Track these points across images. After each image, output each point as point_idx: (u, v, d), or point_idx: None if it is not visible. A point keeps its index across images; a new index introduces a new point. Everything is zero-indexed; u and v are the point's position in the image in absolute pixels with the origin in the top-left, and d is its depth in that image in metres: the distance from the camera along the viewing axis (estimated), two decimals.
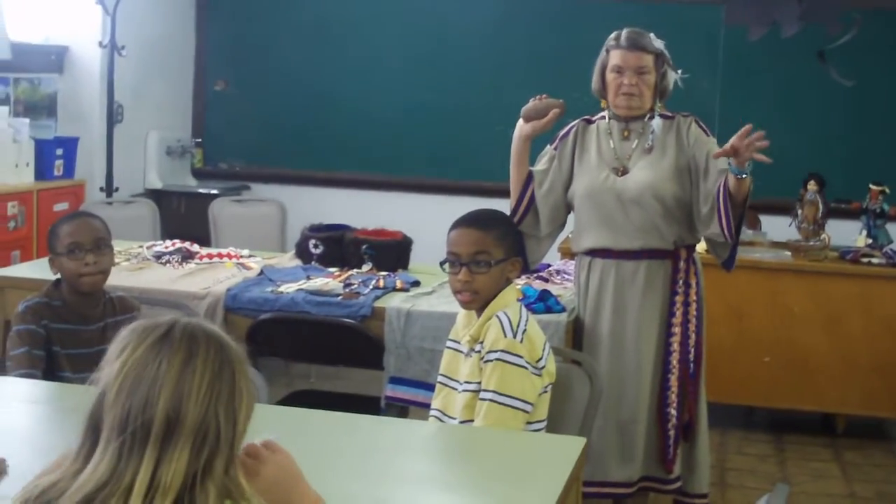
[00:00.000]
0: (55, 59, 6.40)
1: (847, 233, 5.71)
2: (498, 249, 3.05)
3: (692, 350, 3.86)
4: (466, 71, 7.00)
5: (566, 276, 4.61)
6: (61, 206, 5.91)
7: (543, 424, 3.02)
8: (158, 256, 4.76)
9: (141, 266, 4.62)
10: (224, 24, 7.40)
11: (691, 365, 3.86)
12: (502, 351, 2.92)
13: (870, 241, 5.54)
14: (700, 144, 3.81)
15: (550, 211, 3.92)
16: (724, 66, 6.65)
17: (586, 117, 3.98)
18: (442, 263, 3.11)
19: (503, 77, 6.92)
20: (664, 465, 3.87)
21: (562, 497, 2.32)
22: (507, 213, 3.97)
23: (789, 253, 5.48)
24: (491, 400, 2.91)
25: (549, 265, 4.70)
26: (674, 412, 3.84)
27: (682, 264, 3.84)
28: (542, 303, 4.10)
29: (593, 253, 3.90)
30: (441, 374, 3.13)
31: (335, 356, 4.41)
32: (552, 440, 2.84)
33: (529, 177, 3.93)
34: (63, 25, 6.40)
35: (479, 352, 2.98)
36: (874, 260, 5.35)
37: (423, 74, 7.07)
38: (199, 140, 7.44)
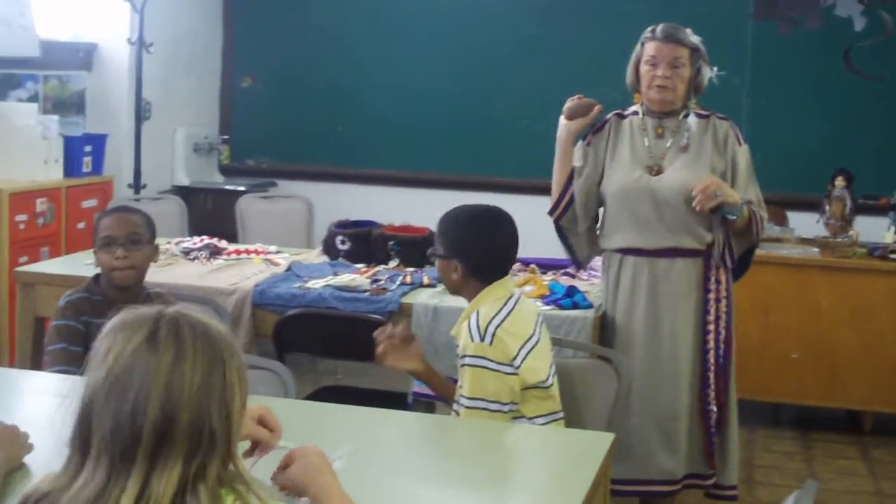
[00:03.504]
0: (84, 56, 6.43)
1: (875, 229, 5.68)
2: (440, 246, 3.11)
3: (723, 346, 3.88)
4: (493, 67, 6.99)
5: (593, 273, 4.60)
6: (90, 203, 5.94)
7: (552, 418, 3.00)
8: (186, 252, 4.78)
9: (169, 262, 4.65)
10: (251, 20, 7.42)
11: (722, 359, 3.87)
12: (471, 356, 2.93)
13: None
14: (734, 154, 3.84)
15: (584, 204, 3.94)
16: (753, 61, 6.61)
17: (618, 112, 3.98)
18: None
19: (526, 72, 6.90)
20: (709, 459, 3.88)
21: (590, 493, 2.32)
22: (548, 208, 4.02)
23: (817, 249, 5.46)
24: (466, 406, 2.92)
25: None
26: (714, 408, 3.86)
27: (713, 261, 3.84)
28: (570, 298, 4.10)
29: (625, 251, 3.89)
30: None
31: (362, 352, 4.39)
32: (580, 436, 2.84)
33: (572, 173, 3.94)
34: (91, 23, 6.43)
35: (458, 354, 3.00)
36: None
37: (449, 70, 7.07)
38: (227, 137, 7.47)
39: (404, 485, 2.32)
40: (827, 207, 5.50)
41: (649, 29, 3.87)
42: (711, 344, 3.85)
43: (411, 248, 4.64)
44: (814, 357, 5.36)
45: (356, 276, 4.40)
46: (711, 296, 3.84)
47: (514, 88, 6.96)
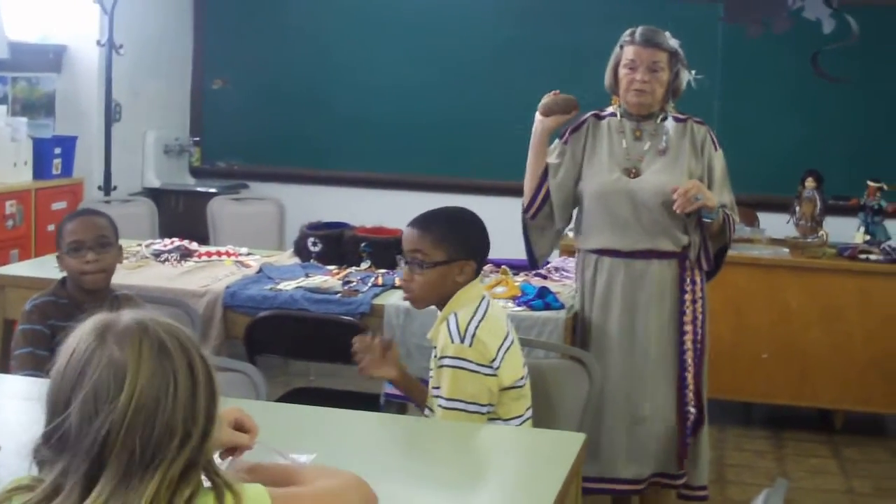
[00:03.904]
0: (53, 57, 6.40)
1: (845, 229, 5.72)
2: (436, 251, 2.95)
3: (699, 345, 3.90)
4: (464, 68, 7.00)
5: (565, 274, 4.62)
6: (59, 205, 5.91)
7: (524, 418, 3.00)
8: (157, 255, 4.76)
9: (140, 264, 4.63)
10: (222, 22, 7.40)
11: (697, 361, 3.89)
12: (450, 357, 2.90)
13: (868, 237, 5.55)
14: (710, 158, 3.87)
15: (562, 204, 3.94)
16: (723, 64, 6.65)
17: (595, 112, 3.98)
18: (400, 259, 3.11)
19: (501, 74, 6.92)
20: (680, 461, 3.89)
21: (561, 493, 2.32)
22: (522, 206, 4.00)
23: (787, 250, 5.49)
24: (444, 407, 2.91)
25: (547, 262, 4.69)
26: (692, 409, 3.87)
27: (688, 263, 3.86)
28: (541, 300, 4.10)
29: (601, 252, 3.90)
30: (431, 370, 3.12)
31: (334, 354, 4.40)
32: (552, 436, 2.84)
33: (546, 170, 3.94)
34: (61, 24, 6.40)
35: (435, 356, 2.98)
36: (872, 256, 5.35)
37: (420, 72, 7.07)
38: (198, 139, 7.44)
39: (376, 486, 2.31)
40: (797, 208, 5.54)
41: (628, 32, 3.87)
42: (689, 345, 3.86)
43: (383, 249, 4.63)
44: (784, 357, 5.39)
45: (328, 278, 4.39)
46: (688, 297, 3.85)
47: (488, 90, 6.97)
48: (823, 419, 5.60)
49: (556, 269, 4.65)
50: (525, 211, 4.01)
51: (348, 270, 4.55)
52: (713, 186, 3.84)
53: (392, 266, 4.57)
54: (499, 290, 4.20)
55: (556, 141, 3.99)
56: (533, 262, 4.13)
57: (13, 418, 2.74)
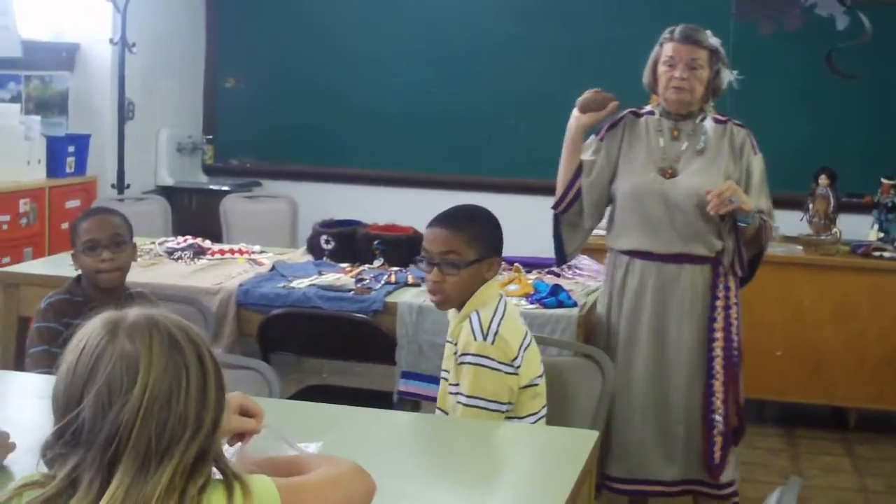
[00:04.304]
0: (66, 56, 6.41)
1: (858, 227, 5.70)
2: (470, 250, 2.95)
3: (735, 352, 3.84)
4: (477, 65, 6.99)
5: (578, 271, 4.61)
6: (73, 203, 5.93)
7: (539, 416, 3.00)
8: (170, 252, 4.77)
9: (153, 262, 4.64)
10: (234, 19, 7.41)
11: (734, 368, 3.83)
12: (473, 354, 2.90)
13: (881, 234, 5.54)
14: (749, 162, 3.81)
15: (594, 202, 3.89)
16: (736, 61, 6.61)
17: (633, 109, 3.93)
18: (418, 260, 3.09)
19: (514, 71, 6.91)
20: (709, 470, 3.84)
21: (575, 490, 2.32)
22: (552, 202, 3.96)
23: (801, 247, 5.48)
24: (465, 404, 2.91)
25: None
26: (719, 418, 3.81)
27: (721, 269, 3.80)
28: (554, 297, 4.10)
29: (633, 254, 3.85)
30: (443, 370, 3.12)
31: (347, 351, 4.42)
32: (565, 434, 2.84)
33: (580, 167, 3.89)
34: (74, 23, 6.41)
35: (456, 353, 2.98)
36: (886, 254, 5.35)
37: (433, 69, 7.07)
38: (210, 136, 7.45)
39: (389, 484, 2.32)
40: (810, 206, 5.53)
41: (668, 30, 3.82)
42: (717, 352, 3.80)
43: (395, 247, 4.64)
44: (798, 354, 5.38)
45: (340, 276, 4.40)
46: (719, 303, 3.80)
47: (498, 87, 6.95)
48: (837, 417, 5.59)
49: (570, 267, 4.64)
50: (555, 206, 3.97)
51: (361, 268, 4.55)
52: (751, 191, 3.77)
53: (405, 264, 4.58)
54: (511, 287, 4.20)
55: (592, 137, 3.93)
56: (561, 259, 4.10)
57: (28, 416, 2.75)
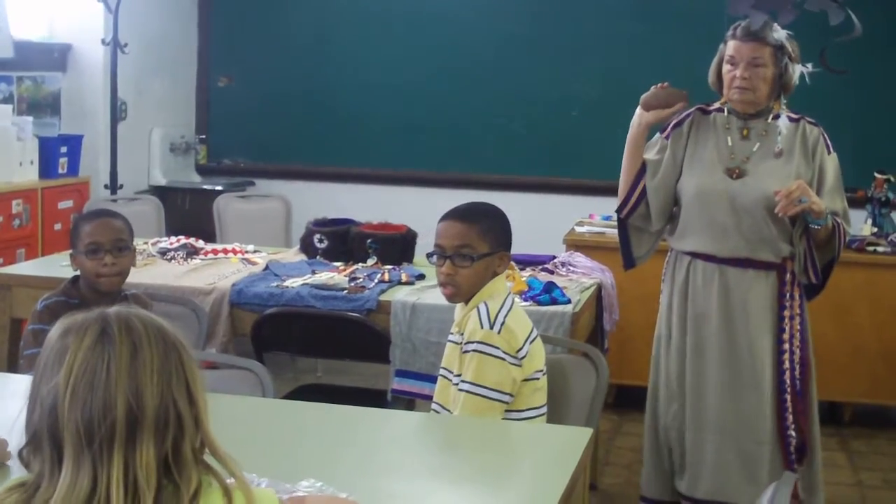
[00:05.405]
0: (58, 56, 6.40)
1: (853, 221, 5.68)
2: (482, 244, 2.99)
3: (799, 367, 3.71)
4: (470, 65, 6.99)
5: (571, 269, 4.60)
6: (66, 204, 5.92)
7: (539, 412, 3.01)
8: (163, 253, 4.76)
9: (146, 262, 4.62)
10: (226, 19, 7.40)
11: (798, 382, 3.70)
12: (478, 342, 2.92)
13: (875, 229, 5.54)
14: (822, 161, 3.68)
15: (661, 204, 3.76)
16: None
17: (701, 106, 3.79)
18: (429, 255, 3.10)
19: (507, 70, 6.90)
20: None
21: (569, 488, 2.32)
22: (616, 206, 3.86)
23: None
24: (467, 391, 2.91)
25: (554, 257, 4.69)
26: (793, 434, 3.69)
27: (787, 276, 3.68)
28: (548, 294, 4.09)
29: (695, 255, 3.73)
30: (442, 367, 3.12)
31: (341, 350, 4.42)
32: (558, 431, 2.84)
33: (643, 167, 3.77)
34: (66, 23, 6.41)
35: (460, 343, 2.99)
36: (880, 248, 5.35)
37: (424, 68, 7.07)
38: (203, 136, 7.45)
39: (384, 482, 2.32)
40: None
41: (732, 26, 3.71)
42: (787, 364, 3.67)
43: (389, 245, 4.63)
44: None
45: (334, 275, 4.39)
46: (786, 313, 3.67)
47: (491, 86, 6.95)
48: (832, 412, 5.59)
49: (563, 264, 4.64)
50: (619, 210, 3.84)
51: (354, 267, 4.54)
52: (823, 192, 3.63)
53: (398, 262, 4.58)
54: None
55: (657, 134, 3.81)
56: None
57: (21, 419, 2.74)
